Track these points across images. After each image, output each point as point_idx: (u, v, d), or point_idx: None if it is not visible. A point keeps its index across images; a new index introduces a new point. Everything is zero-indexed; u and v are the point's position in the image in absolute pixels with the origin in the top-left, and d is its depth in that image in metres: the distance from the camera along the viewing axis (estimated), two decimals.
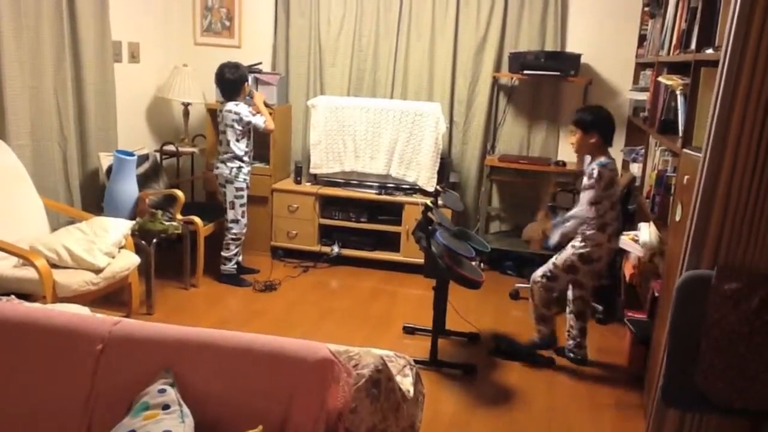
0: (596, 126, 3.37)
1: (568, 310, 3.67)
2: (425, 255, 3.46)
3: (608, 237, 3.42)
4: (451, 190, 4.39)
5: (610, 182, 3.33)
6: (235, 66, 4.42)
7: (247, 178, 4.57)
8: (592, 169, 3.33)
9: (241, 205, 4.55)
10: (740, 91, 2.03)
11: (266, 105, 4.71)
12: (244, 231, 4.63)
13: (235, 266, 4.65)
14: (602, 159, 3.36)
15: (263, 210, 5.10)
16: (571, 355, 3.66)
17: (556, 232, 3.47)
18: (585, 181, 3.39)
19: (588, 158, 3.59)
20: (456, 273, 3.30)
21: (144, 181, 4.49)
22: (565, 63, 4.72)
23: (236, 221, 4.56)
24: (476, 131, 5.23)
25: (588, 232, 3.39)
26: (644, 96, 4.30)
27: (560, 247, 3.49)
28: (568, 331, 3.68)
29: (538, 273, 3.55)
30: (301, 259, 5.11)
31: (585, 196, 3.34)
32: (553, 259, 3.52)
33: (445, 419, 3.08)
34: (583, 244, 3.41)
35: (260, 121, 4.45)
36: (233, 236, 4.57)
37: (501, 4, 4.99)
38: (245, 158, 4.50)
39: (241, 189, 4.53)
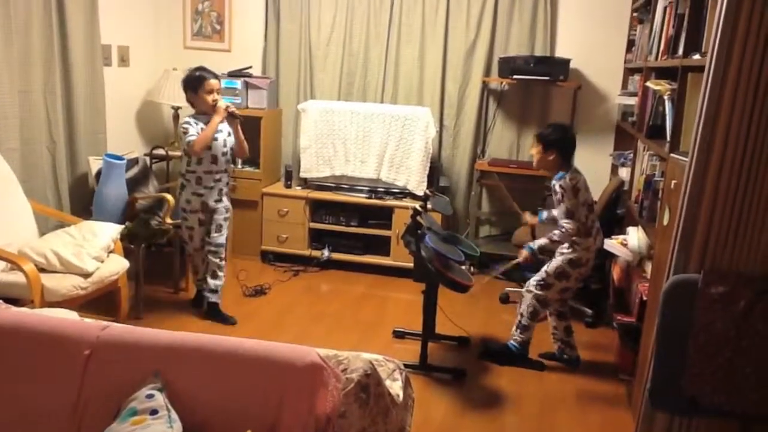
0: (556, 145, 3.45)
1: (548, 312, 3.68)
2: (415, 259, 3.46)
3: (594, 239, 3.50)
4: (440, 194, 4.39)
5: (575, 190, 3.38)
6: (193, 69, 3.95)
7: (192, 201, 3.91)
8: (553, 185, 3.44)
9: (187, 227, 4.01)
10: (725, 96, 2.05)
11: (233, 116, 3.87)
12: (194, 254, 4.13)
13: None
14: (559, 173, 3.44)
15: (253, 214, 5.09)
16: (565, 356, 3.67)
17: (541, 239, 3.51)
18: (554, 197, 3.48)
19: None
20: (445, 277, 3.30)
21: (133, 185, 4.46)
22: (555, 68, 4.75)
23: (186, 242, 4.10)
24: (466, 135, 5.24)
25: (576, 239, 3.42)
26: (633, 101, 4.33)
27: (544, 251, 3.52)
28: (553, 333, 3.70)
29: (532, 281, 3.58)
30: (291, 263, 5.10)
31: (560, 212, 3.42)
32: (545, 267, 3.55)
33: (435, 423, 3.08)
34: (571, 249, 3.45)
35: (190, 138, 3.73)
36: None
37: (491, 10, 5.01)
38: (188, 176, 3.90)
39: (182, 210, 3.97)
